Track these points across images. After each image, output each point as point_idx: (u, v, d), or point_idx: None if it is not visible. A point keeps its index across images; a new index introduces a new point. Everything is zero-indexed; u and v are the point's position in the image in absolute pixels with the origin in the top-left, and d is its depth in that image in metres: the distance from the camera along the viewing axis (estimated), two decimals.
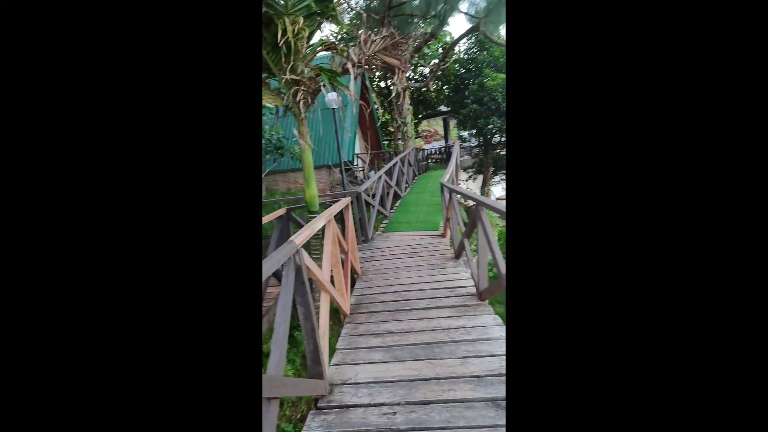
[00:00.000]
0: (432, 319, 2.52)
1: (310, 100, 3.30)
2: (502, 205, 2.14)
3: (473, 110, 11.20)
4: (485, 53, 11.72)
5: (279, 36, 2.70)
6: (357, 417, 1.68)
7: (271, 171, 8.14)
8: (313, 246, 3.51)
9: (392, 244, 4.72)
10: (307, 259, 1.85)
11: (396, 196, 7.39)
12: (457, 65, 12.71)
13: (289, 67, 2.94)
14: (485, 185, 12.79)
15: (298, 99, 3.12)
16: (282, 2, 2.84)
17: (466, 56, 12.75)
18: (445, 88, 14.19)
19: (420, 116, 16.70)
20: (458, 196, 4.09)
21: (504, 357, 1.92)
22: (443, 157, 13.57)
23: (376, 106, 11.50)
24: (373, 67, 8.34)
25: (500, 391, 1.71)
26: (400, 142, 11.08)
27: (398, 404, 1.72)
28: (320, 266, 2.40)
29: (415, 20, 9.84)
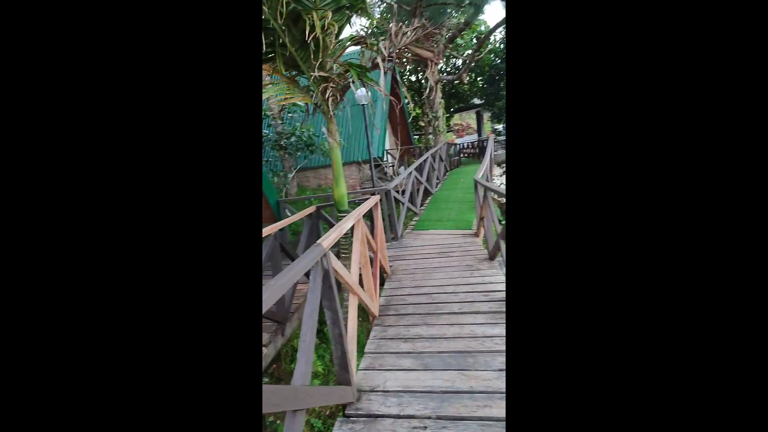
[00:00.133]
0: (465, 325, 2.39)
1: (339, 97, 3.23)
2: None
3: None
4: None
5: (307, 32, 2.64)
6: (385, 428, 1.61)
7: (302, 168, 8.26)
8: (342, 245, 3.48)
9: (422, 242, 4.59)
10: (334, 262, 1.79)
11: (426, 193, 7.24)
12: (492, 55, 12.22)
13: (318, 63, 2.89)
14: None
15: (327, 96, 3.07)
16: None
17: (501, 45, 12.22)
18: (479, 79, 13.73)
19: (452, 110, 16.32)
20: (493, 193, 3.88)
21: None
22: (476, 152, 13.18)
23: (406, 101, 11.33)
24: (404, 60, 8.18)
25: None
26: (431, 136, 10.87)
27: (429, 418, 1.63)
28: (348, 267, 2.34)
29: (449, 9, 9.53)
